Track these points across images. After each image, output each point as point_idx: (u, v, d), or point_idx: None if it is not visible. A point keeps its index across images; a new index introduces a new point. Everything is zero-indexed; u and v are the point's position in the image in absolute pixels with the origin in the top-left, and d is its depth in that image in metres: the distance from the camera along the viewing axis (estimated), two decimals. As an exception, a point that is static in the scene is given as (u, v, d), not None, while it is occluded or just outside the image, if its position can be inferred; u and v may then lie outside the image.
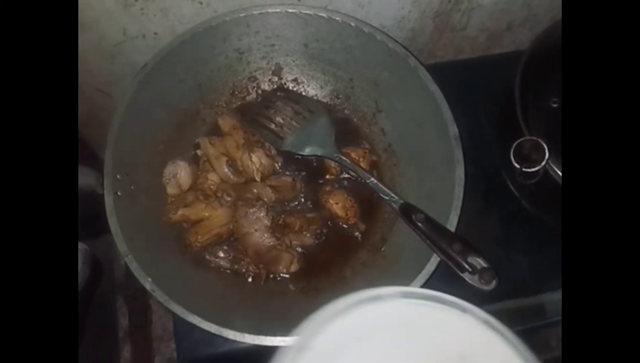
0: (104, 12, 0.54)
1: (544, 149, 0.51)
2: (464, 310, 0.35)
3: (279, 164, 0.59)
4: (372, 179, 0.54)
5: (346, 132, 0.61)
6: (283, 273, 0.55)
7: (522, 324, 0.62)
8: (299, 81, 0.63)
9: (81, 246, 0.64)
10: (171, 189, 0.56)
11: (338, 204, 0.56)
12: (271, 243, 0.54)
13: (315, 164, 0.59)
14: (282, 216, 0.56)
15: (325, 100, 0.63)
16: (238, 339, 0.44)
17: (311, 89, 0.63)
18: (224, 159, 0.57)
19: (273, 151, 0.58)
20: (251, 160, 0.56)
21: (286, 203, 0.57)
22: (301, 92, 0.63)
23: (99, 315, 0.75)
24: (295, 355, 0.33)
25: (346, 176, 0.59)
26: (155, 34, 0.58)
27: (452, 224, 0.48)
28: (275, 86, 0.63)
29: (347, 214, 0.56)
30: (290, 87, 0.63)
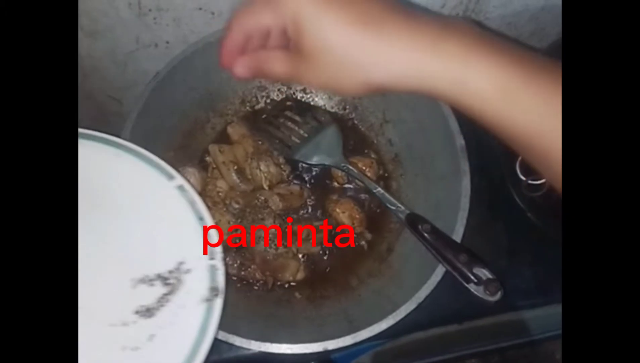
0: (118, 20, 0.55)
1: (550, 162, 0.51)
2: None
3: (287, 172, 0.59)
4: (379, 189, 0.55)
5: (354, 142, 0.62)
6: (289, 281, 0.55)
7: (526, 336, 0.62)
8: (308, 91, 0.64)
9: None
10: (180, 196, 0.57)
11: (345, 213, 0.57)
12: (278, 251, 0.54)
13: (322, 173, 0.60)
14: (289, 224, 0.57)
15: (333, 110, 0.64)
16: (244, 346, 0.45)
17: (319, 99, 0.64)
18: (233, 167, 0.57)
19: (281, 160, 0.59)
20: (259, 168, 0.57)
21: (293, 211, 0.58)
22: (309, 102, 0.64)
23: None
24: None
25: (353, 185, 0.59)
26: (167, 42, 0.59)
27: (458, 235, 0.48)
28: (284, 96, 0.64)
29: (353, 223, 0.57)
30: (299, 97, 0.64)
